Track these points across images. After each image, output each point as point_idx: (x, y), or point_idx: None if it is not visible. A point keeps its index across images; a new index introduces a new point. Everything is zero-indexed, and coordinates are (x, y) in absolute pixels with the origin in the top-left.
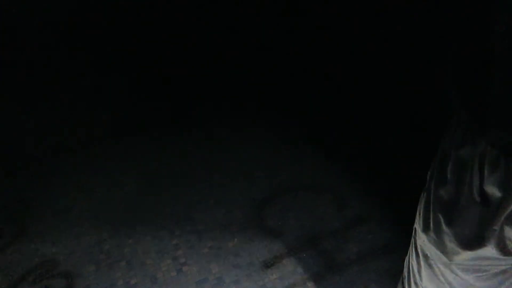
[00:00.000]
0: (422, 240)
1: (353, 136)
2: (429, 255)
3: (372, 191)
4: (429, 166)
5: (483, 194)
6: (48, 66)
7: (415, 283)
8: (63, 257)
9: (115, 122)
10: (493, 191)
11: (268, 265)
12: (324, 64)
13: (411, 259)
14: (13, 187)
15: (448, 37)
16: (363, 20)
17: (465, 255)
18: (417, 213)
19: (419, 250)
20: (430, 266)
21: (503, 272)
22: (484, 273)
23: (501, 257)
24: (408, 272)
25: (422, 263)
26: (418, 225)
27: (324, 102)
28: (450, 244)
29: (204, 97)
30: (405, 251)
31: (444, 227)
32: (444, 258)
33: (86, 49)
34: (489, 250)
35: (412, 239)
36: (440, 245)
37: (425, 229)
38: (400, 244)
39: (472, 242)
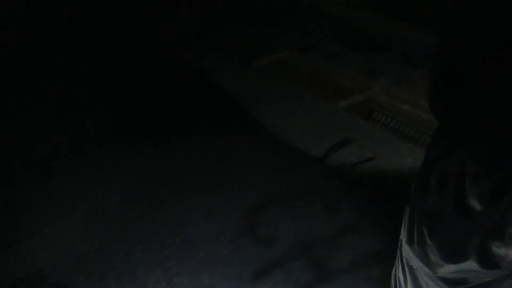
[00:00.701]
0: (407, 252)
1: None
2: (414, 267)
3: (364, 199)
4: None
5: (465, 207)
6: (48, 66)
7: None
8: (53, 267)
9: (111, 126)
10: (474, 204)
11: (259, 274)
12: None
13: (397, 271)
14: (3, 194)
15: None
16: None
17: (448, 268)
18: (402, 225)
19: (404, 262)
20: (415, 278)
21: (487, 284)
22: (468, 285)
23: (484, 270)
24: (395, 284)
25: (407, 274)
26: (403, 237)
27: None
28: (434, 257)
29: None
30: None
31: (427, 239)
32: (428, 271)
33: (86, 49)
34: (472, 264)
35: (398, 251)
36: (424, 258)
37: (410, 241)
38: (391, 253)
39: (455, 255)
